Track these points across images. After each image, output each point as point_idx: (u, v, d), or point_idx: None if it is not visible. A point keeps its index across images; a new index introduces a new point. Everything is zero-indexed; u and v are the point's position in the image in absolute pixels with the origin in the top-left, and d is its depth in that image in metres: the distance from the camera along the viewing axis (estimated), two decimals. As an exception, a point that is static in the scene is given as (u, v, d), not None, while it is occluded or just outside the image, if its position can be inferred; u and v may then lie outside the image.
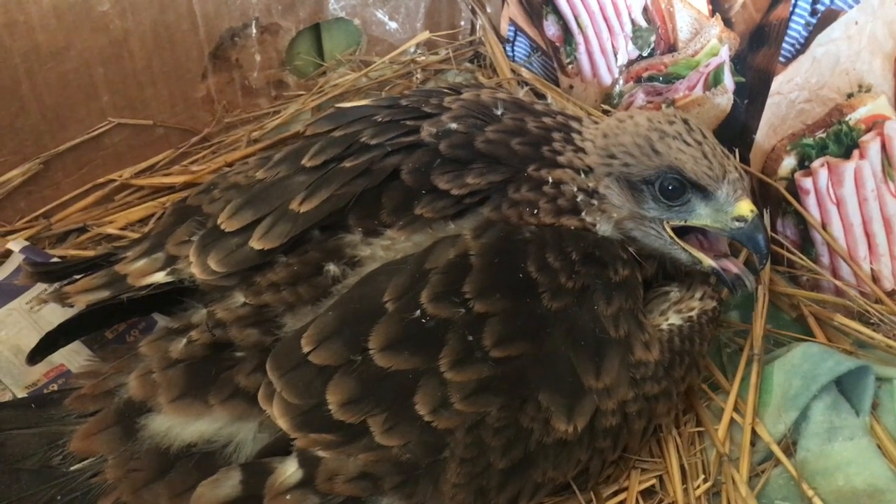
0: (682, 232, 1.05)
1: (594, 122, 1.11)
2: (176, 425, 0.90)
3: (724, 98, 1.30)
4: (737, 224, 1.03)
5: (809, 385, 1.09)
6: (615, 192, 1.03)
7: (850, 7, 1.07)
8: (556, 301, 0.93)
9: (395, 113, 1.09)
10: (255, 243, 0.96)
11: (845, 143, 1.15)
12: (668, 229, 1.04)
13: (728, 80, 1.29)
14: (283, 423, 0.88)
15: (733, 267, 1.07)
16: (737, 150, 1.26)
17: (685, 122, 1.03)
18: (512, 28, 1.66)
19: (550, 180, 1.02)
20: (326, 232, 0.98)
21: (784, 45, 1.17)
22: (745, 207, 1.02)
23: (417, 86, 1.69)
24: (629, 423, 0.99)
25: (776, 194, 1.26)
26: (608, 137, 1.04)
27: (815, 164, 1.20)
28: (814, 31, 1.12)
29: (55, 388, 1.16)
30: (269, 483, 0.87)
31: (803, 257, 1.26)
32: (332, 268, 0.95)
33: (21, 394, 1.16)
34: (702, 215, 1.03)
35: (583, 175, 1.03)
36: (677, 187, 1.01)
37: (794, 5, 1.13)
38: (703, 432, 1.13)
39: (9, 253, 1.34)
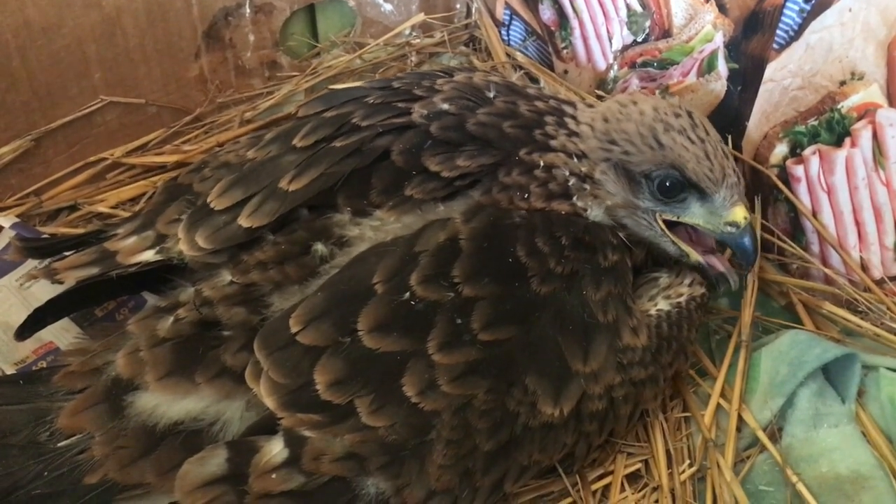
0: (673, 223, 1.06)
1: (588, 106, 1.11)
2: (163, 403, 0.90)
3: (718, 84, 1.30)
4: (729, 229, 1.04)
5: (796, 372, 1.10)
6: (611, 180, 1.02)
7: (844, -6, 1.07)
8: (544, 285, 0.93)
9: (386, 95, 1.08)
10: (244, 221, 0.96)
11: (837, 131, 1.15)
12: (660, 222, 1.05)
13: (722, 67, 1.29)
14: (270, 402, 0.88)
15: (719, 264, 1.09)
16: (729, 137, 1.26)
17: (690, 115, 1.02)
18: (507, 12, 1.66)
19: (542, 164, 1.02)
20: (315, 211, 0.98)
21: (778, 31, 1.16)
22: (740, 214, 1.03)
23: (412, 68, 1.69)
24: (616, 407, 0.99)
25: (767, 182, 1.26)
26: (609, 122, 1.03)
27: (807, 151, 1.20)
28: (808, 17, 1.12)
29: (44, 364, 1.17)
30: (255, 461, 0.87)
31: (793, 245, 1.26)
32: (319, 247, 0.95)
33: (10, 370, 1.16)
34: (696, 214, 1.04)
35: (576, 159, 1.03)
36: (676, 185, 1.02)
37: (789, -8, 1.13)
38: (690, 418, 1.14)
39: (-1, 229, 1.34)
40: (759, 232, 1.24)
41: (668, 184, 1.02)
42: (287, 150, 1.03)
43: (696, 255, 1.07)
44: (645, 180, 1.02)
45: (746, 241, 1.05)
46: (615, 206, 1.03)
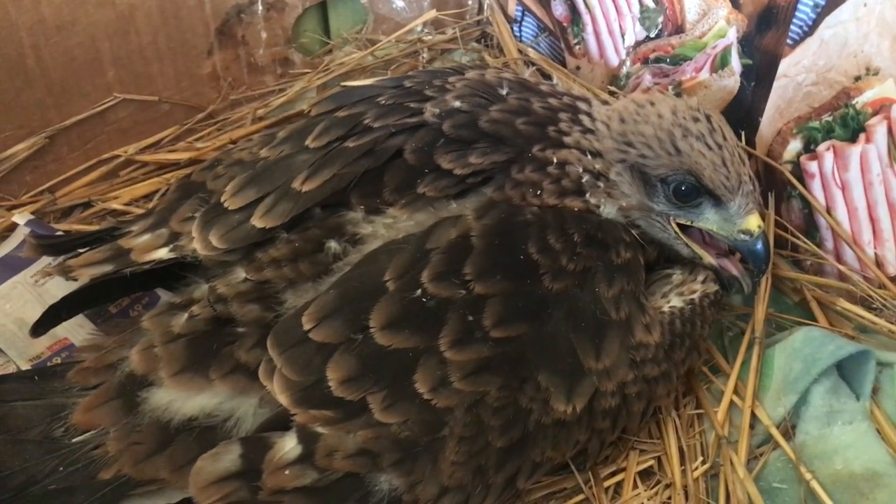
0: (687, 226, 1.06)
1: (603, 102, 1.11)
2: (177, 399, 0.91)
3: (731, 80, 1.30)
4: (742, 236, 1.04)
5: (810, 369, 1.09)
6: (626, 181, 1.02)
7: (860, -11, 1.06)
8: (557, 282, 0.93)
9: (398, 95, 1.08)
10: (257, 221, 0.97)
11: (851, 127, 1.14)
12: (674, 225, 1.05)
13: (735, 63, 1.28)
14: (283, 398, 0.88)
15: (732, 267, 1.09)
16: (743, 133, 1.26)
17: (708, 119, 1.02)
18: (519, 8, 1.65)
19: (555, 161, 1.02)
20: (328, 209, 0.98)
21: (792, 27, 1.16)
22: (754, 222, 1.03)
23: (424, 65, 1.68)
24: (628, 404, 0.99)
25: (781, 178, 1.25)
26: (626, 123, 1.03)
27: (821, 147, 1.19)
28: (822, 12, 1.11)
29: (58, 361, 1.18)
30: (269, 457, 0.88)
31: (807, 241, 1.26)
32: (333, 245, 0.95)
33: (25, 366, 1.17)
34: (710, 220, 1.04)
35: (590, 157, 1.03)
36: (691, 191, 1.02)
37: (803, -14, 1.13)
38: (703, 415, 1.13)
39: (14, 226, 1.35)
40: (772, 228, 1.24)
41: (683, 189, 1.02)
42: (300, 150, 1.04)
43: (709, 258, 1.07)
44: (660, 184, 1.02)
45: (759, 248, 1.05)
46: (629, 206, 1.03)
